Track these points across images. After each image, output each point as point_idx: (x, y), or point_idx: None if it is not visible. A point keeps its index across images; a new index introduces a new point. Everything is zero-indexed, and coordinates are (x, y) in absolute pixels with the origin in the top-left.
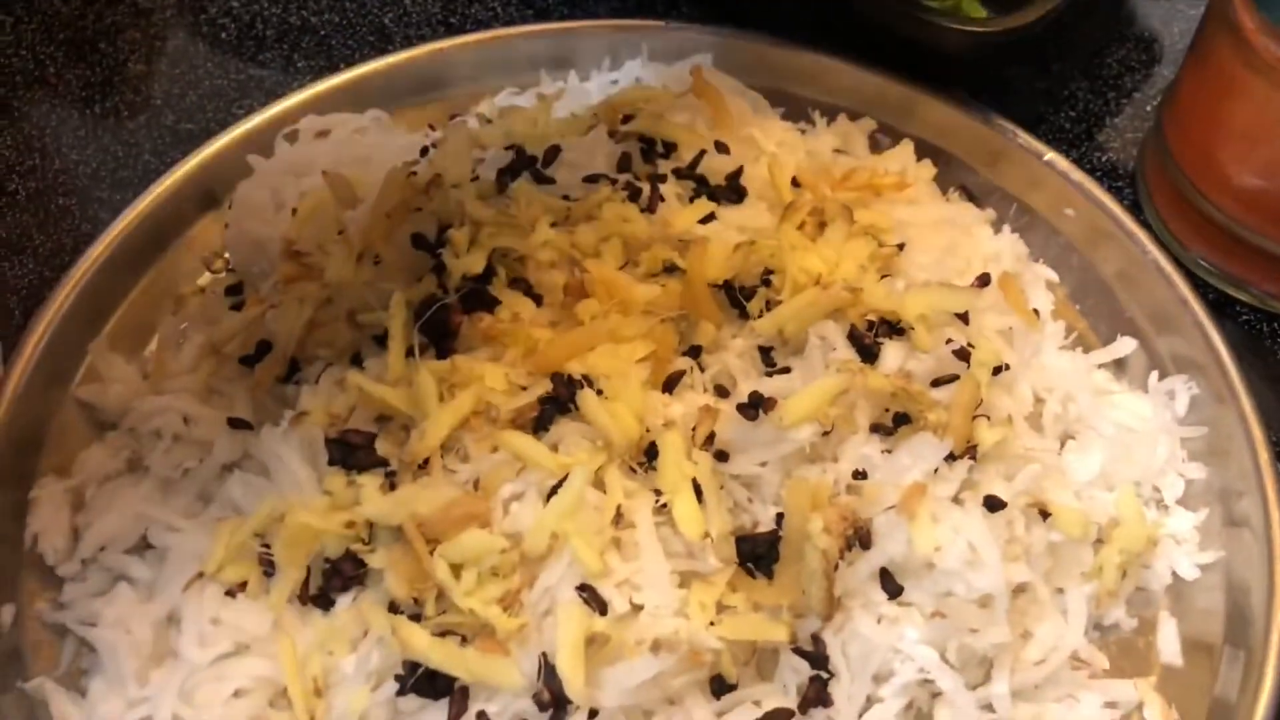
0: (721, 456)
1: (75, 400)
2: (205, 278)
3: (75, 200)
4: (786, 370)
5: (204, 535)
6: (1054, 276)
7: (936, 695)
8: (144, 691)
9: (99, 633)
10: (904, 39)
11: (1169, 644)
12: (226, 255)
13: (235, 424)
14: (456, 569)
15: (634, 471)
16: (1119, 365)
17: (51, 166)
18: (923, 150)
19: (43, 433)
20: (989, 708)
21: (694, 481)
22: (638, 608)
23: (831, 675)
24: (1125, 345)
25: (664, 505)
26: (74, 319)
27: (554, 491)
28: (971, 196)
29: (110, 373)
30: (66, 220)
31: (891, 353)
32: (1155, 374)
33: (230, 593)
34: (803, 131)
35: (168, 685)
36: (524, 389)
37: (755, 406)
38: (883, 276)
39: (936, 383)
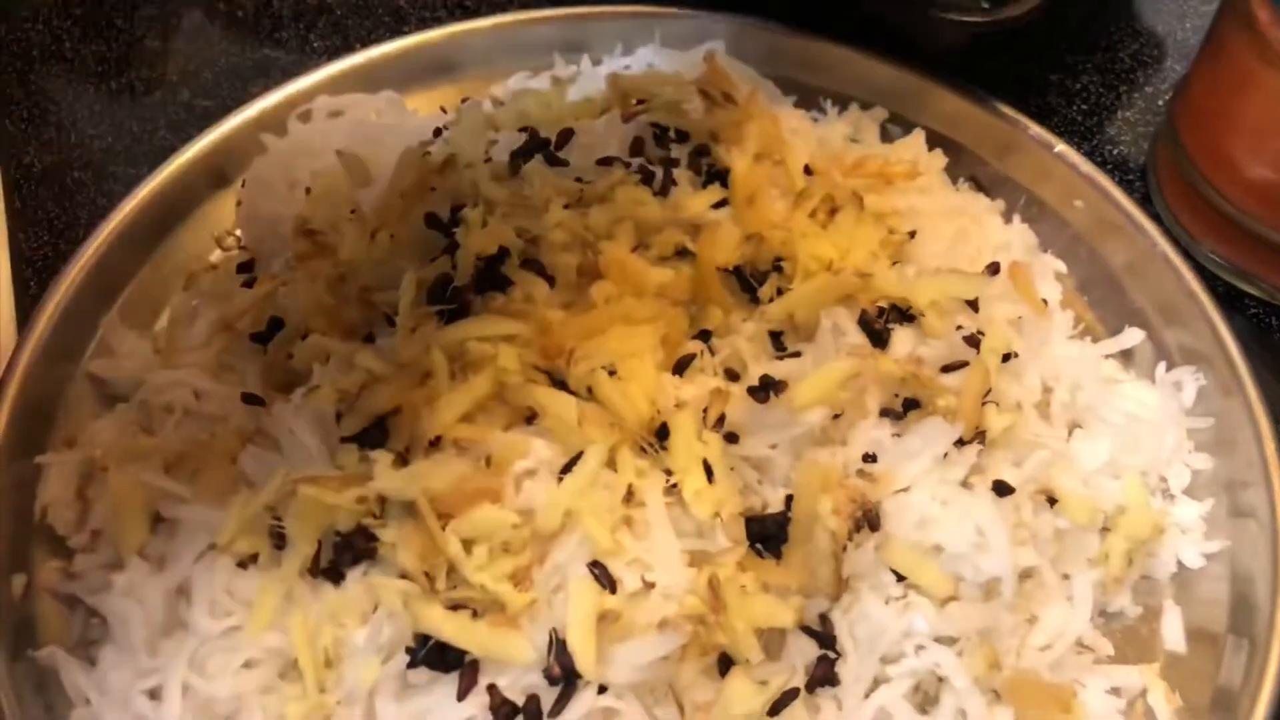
0: (732, 438)
1: (87, 374)
2: (217, 254)
3: (90, 175)
4: (797, 354)
5: (215, 508)
6: (1062, 267)
7: (943, 678)
8: (154, 661)
9: (110, 603)
10: (899, 29)
11: (1173, 631)
12: (238, 233)
13: (248, 399)
14: (468, 544)
15: (645, 452)
16: (1126, 356)
17: (67, 141)
18: (934, 140)
19: (54, 406)
20: (994, 692)
21: (704, 462)
22: (649, 585)
23: (839, 655)
24: (1133, 336)
25: (674, 485)
26: (87, 293)
27: (566, 469)
28: (981, 187)
29: (122, 347)
30: (81, 194)
31: (902, 338)
32: (1163, 365)
33: (242, 564)
34: (815, 120)
35: (178, 655)
36: (536, 369)
37: (766, 389)
38: (893, 263)
39: (946, 369)
